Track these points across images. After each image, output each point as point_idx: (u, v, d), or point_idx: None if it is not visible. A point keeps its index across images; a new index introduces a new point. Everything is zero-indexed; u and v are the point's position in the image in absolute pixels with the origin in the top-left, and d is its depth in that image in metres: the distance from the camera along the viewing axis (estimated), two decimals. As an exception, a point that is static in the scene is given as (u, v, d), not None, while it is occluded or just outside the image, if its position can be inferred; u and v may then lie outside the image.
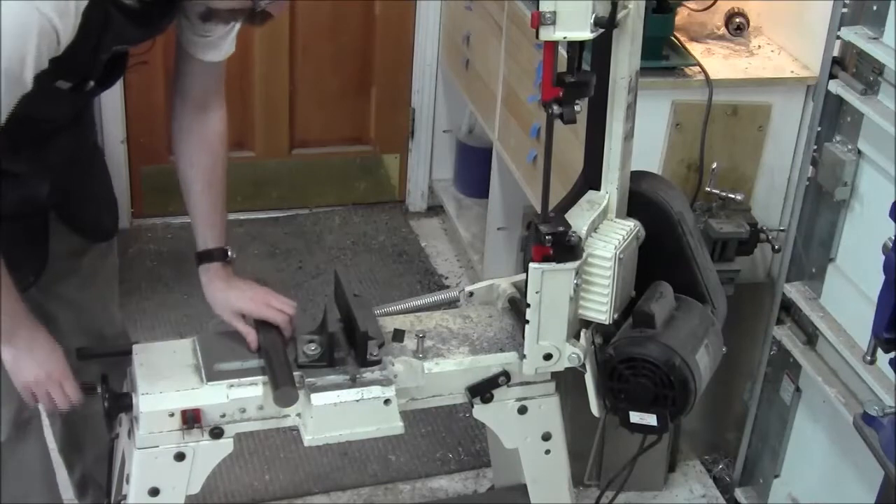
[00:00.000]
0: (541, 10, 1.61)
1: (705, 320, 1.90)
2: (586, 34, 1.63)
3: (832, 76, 2.22)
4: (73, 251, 2.04)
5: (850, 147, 2.23)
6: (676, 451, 2.77)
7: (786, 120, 2.52)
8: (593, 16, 1.62)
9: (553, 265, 1.76)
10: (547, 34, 1.62)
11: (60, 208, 1.97)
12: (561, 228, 1.74)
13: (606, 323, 1.84)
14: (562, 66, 1.68)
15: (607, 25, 1.65)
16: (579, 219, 1.81)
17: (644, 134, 2.34)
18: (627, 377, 1.81)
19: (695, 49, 2.57)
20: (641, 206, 1.92)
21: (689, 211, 2.00)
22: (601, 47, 1.77)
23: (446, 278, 3.60)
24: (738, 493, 2.71)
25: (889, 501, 1.95)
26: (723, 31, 2.66)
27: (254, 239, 3.67)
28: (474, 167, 3.71)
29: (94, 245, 2.08)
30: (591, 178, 1.88)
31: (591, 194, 1.88)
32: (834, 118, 2.26)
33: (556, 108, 1.66)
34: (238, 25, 1.83)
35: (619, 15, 1.68)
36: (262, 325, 1.88)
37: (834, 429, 2.36)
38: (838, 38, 2.18)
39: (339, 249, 3.67)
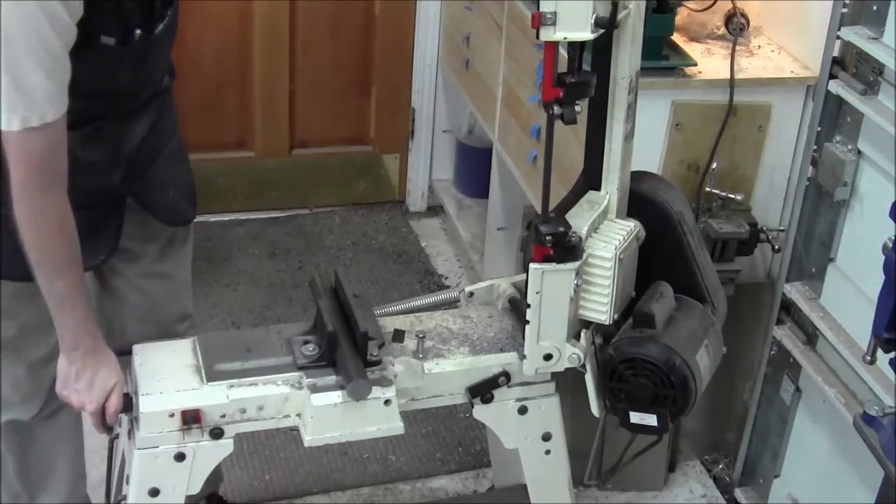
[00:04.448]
0: (541, 10, 1.61)
1: (705, 321, 1.90)
2: (587, 35, 1.63)
3: (832, 76, 2.22)
4: (148, 236, 2.04)
5: (850, 147, 2.23)
6: (676, 451, 2.77)
7: (786, 120, 2.52)
8: (594, 16, 1.62)
9: (553, 265, 1.76)
10: (547, 34, 1.62)
11: (138, 193, 1.96)
12: (561, 229, 1.74)
13: (607, 323, 1.84)
14: (562, 66, 1.68)
15: (608, 26, 1.65)
16: (579, 219, 1.81)
17: (644, 134, 2.34)
18: (628, 377, 1.81)
19: (695, 49, 2.57)
20: (642, 207, 1.92)
21: (690, 211, 2.00)
22: (601, 47, 1.77)
23: (446, 278, 3.60)
24: (738, 493, 2.71)
25: (889, 501, 1.95)
26: (723, 31, 2.66)
27: (254, 239, 3.67)
28: (474, 167, 3.71)
29: (169, 231, 2.08)
30: (591, 179, 1.88)
31: (591, 194, 1.88)
32: (834, 118, 2.26)
33: (556, 109, 1.66)
34: None
35: (620, 15, 1.68)
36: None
37: (834, 429, 2.36)
38: (838, 38, 2.18)
39: (339, 249, 3.66)
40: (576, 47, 1.67)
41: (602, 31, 1.66)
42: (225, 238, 3.65)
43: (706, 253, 2.00)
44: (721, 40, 2.64)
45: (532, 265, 1.77)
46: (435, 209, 3.97)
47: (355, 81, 3.74)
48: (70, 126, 1.68)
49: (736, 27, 2.61)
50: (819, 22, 2.31)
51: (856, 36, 2.12)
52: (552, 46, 1.65)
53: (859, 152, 2.20)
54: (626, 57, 1.77)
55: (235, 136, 3.70)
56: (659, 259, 1.92)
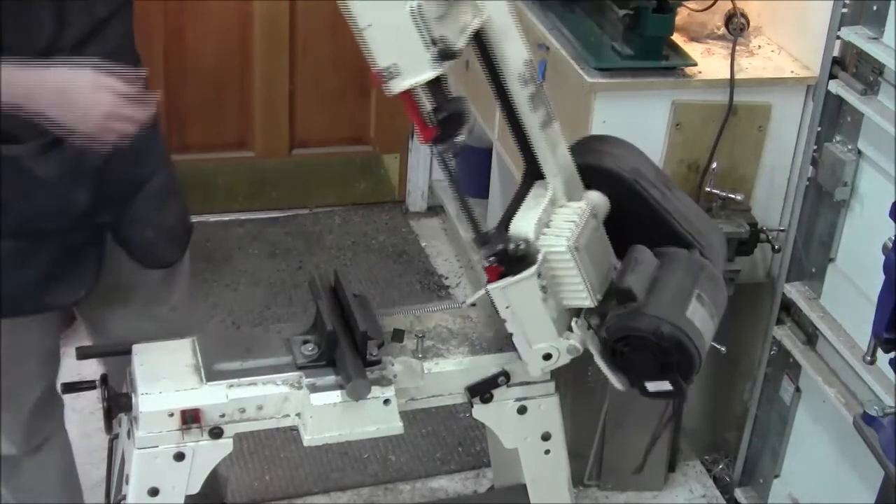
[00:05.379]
0: (379, 67, 1.56)
1: (693, 268, 1.86)
2: (433, 72, 1.59)
3: (832, 76, 2.22)
4: (135, 276, 2.00)
5: (850, 147, 2.23)
6: (676, 451, 2.77)
7: (786, 120, 2.52)
8: (433, 50, 1.57)
9: (509, 280, 1.75)
10: (396, 86, 1.58)
11: (114, 226, 1.91)
12: (500, 246, 1.73)
13: (593, 306, 1.82)
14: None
15: (450, 56, 1.60)
16: (525, 219, 1.79)
17: (644, 134, 2.34)
18: (627, 354, 1.79)
19: (695, 49, 2.57)
20: (594, 178, 1.89)
21: (646, 161, 1.94)
22: (483, 50, 1.73)
23: (446, 278, 3.60)
24: (738, 493, 2.71)
25: (889, 501, 1.96)
26: (723, 31, 2.66)
27: (254, 239, 3.67)
28: (474, 167, 3.71)
29: (158, 272, 2.03)
30: (532, 172, 1.87)
31: (535, 188, 1.85)
32: (834, 118, 2.26)
33: (440, 147, 1.65)
34: None
35: (471, 28, 1.63)
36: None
37: (834, 429, 2.36)
38: (838, 38, 2.18)
39: (339, 249, 3.67)
40: (432, 84, 1.63)
41: (450, 60, 1.59)
42: (225, 238, 3.65)
43: (679, 194, 1.95)
44: (721, 40, 2.64)
45: (489, 287, 1.75)
46: (435, 209, 3.98)
47: (355, 81, 3.74)
48: (24, 136, 1.65)
49: (736, 27, 2.61)
50: (819, 22, 2.31)
51: (856, 36, 2.12)
52: (408, 95, 1.60)
53: (859, 152, 2.20)
54: (508, 55, 1.74)
55: (235, 136, 3.70)
56: (629, 222, 1.88)
